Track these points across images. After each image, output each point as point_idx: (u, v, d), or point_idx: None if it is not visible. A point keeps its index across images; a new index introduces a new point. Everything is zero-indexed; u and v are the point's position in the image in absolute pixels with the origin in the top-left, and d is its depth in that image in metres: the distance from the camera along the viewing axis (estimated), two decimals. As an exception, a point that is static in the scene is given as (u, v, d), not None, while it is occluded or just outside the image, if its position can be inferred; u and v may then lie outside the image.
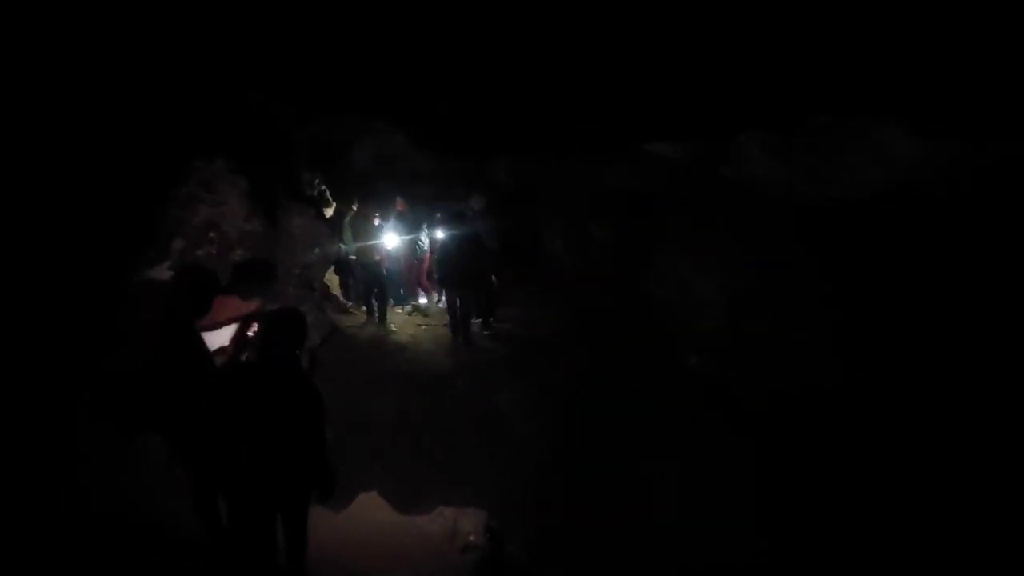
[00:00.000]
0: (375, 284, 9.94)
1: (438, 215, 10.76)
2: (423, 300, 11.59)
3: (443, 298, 10.44)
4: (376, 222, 9.87)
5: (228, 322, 4.33)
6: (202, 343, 4.05)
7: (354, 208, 9.97)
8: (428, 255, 11.01)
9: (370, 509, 5.35)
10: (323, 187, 10.29)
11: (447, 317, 9.77)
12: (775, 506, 5.33)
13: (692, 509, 5.46)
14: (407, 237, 10.68)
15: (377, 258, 9.72)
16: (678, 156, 6.65)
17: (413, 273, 11.31)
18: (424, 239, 11.01)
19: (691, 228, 7.55)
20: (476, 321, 9.49)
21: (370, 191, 10.45)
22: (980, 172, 4.96)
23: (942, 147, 4.93)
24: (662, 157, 6.72)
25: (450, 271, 9.03)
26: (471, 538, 4.97)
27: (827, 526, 4.99)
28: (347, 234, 9.65)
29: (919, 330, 5.54)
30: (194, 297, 3.97)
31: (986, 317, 5.19)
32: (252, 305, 4.51)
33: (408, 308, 11.13)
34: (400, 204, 10.43)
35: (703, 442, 6.11)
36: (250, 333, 4.28)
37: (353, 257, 10.16)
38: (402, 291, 11.42)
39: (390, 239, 10.21)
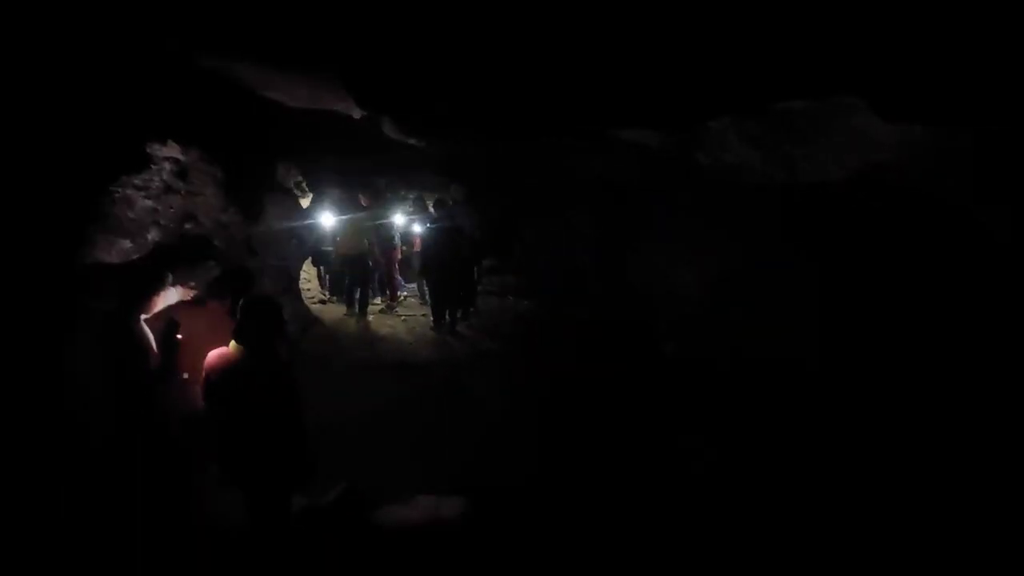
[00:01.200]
0: (354, 275, 9.91)
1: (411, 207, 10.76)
2: (402, 292, 11.59)
3: (425, 289, 10.44)
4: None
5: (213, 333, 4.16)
6: (145, 337, 4.05)
7: (328, 195, 9.93)
8: (399, 247, 10.93)
9: (349, 500, 5.35)
10: (300, 177, 10.24)
11: (424, 308, 9.80)
12: (752, 490, 5.42)
13: (663, 487, 5.54)
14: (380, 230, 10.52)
15: (357, 252, 9.67)
16: (653, 144, 6.66)
17: (390, 265, 11.31)
18: (395, 231, 10.93)
19: (668, 215, 7.59)
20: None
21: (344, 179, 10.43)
22: (955, 156, 5.03)
23: (917, 132, 4.98)
24: (637, 145, 6.73)
25: (433, 263, 9.03)
26: (452, 527, 4.98)
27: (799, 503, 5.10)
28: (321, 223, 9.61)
29: (896, 312, 5.63)
30: (145, 291, 3.98)
31: (961, 296, 5.28)
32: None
33: (386, 300, 11.13)
34: (364, 200, 10.25)
35: (675, 423, 6.20)
36: (178, 336, 4.22)
37: (329, 248, 10.12)
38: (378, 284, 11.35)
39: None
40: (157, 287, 4.16)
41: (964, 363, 5.13)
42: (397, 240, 10.81)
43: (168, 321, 4.29)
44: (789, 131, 5.63)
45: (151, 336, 4.13)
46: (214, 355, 3.73)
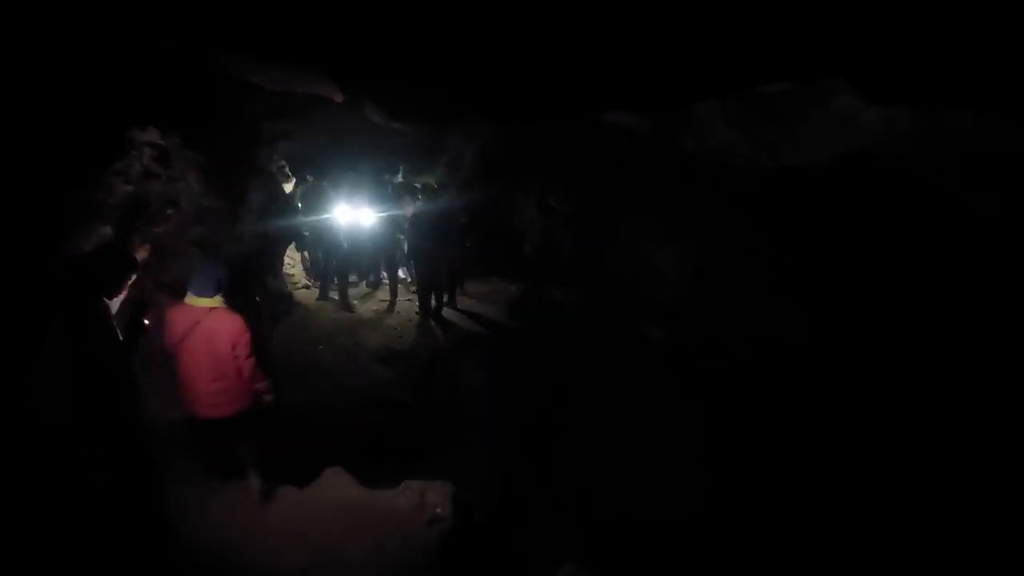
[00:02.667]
0: (332, 259, 9.86)
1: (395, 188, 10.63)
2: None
3: (411, 275, 10.39)
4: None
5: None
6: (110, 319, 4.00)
7: (308, 179, 9.86)
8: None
9: (336, 484, 5.35)
10: (282, 162, 10.14)
11: (407, 293, 9.77)
12: (725, 463, 5.50)
13: (650, 471, 5.61)
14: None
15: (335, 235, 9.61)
16: (639, 127, 6.67)
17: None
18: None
19: (652, 200, 7.61)
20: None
21: (327, 164, 10.36)
22: (936, 138, 5.06)
23: (899, 114, 5.01)
24: (622, 128, 6.73)
25: (420, 247, 8.99)
26: (438, 510, 4.99)
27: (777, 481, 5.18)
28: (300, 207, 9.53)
29: (877, 294, 5.68)
30: (112, 274, 3.92)
31: (943, 280, 5.33)
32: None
33: (370, 284, 11.06)
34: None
35: (661, 407, 6.26)
36: (146, 321, 4.21)
37: (306, 233, 10.06)
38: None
39: (343, 212, 9.94)
40: (128, 271, 4.08)
41: (951, 348, 5.18)
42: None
43: (136, 302, 4.26)
44: (773, 114, 5.65)
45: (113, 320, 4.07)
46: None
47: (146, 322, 4.13)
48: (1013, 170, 4.68)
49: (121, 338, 4.01)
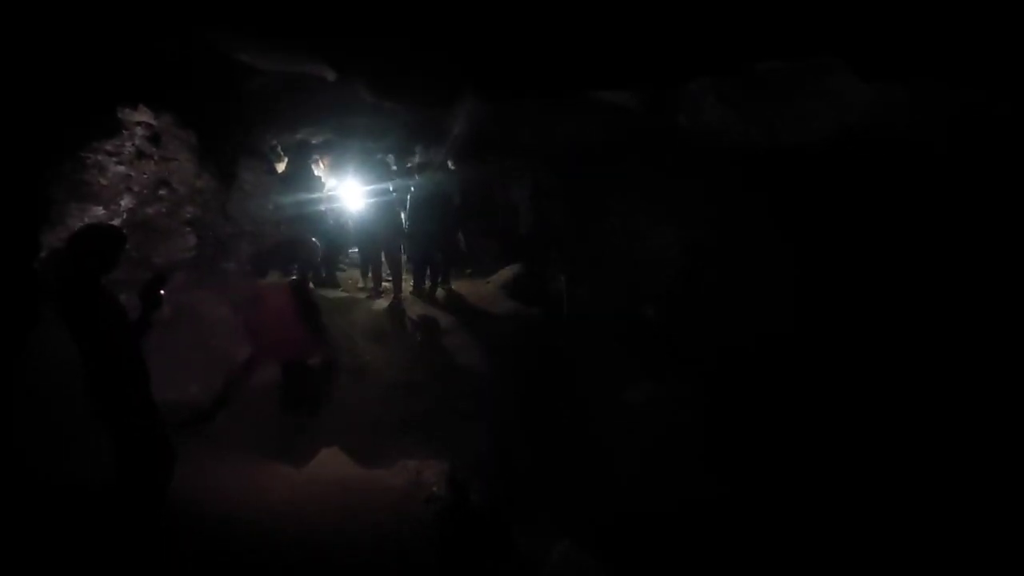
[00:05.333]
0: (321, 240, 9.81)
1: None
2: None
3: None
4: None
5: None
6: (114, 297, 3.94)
7: (297, 159, 9.77)
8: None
9: (332, 464, 5.37)
10: (275, 142, 10.06)
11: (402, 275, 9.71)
12: (723, 448, 5.54)
13: (646, 451, 5.65)
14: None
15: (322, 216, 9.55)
16: (633, 105, 6.65)
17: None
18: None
19: (647, 178, 7.59)
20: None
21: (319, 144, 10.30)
22: (931, 116, 5.06)
23: (893, 92, 5.00)
24: (617, 107, 6.71)
25: (416, 228, 8.93)
26: (434, 489, 5.02)
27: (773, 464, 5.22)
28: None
29: (872, 274, 5.71)
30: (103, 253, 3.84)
31: (937, 258, 5.36)
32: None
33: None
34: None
35: (657, 388, 6.29)
36: (161, 291, 4.17)
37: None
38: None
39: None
40: (119, 248, 4.00)
41: (945, 333, 5.22)
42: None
43: (155, 275, 4.21)
44: (767, 92, 5.64)
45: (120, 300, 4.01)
46: None
47: (162, 292, 4.06)
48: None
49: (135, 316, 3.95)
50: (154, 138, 6.04)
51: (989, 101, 4.54)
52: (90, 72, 5.10)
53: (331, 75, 6.45)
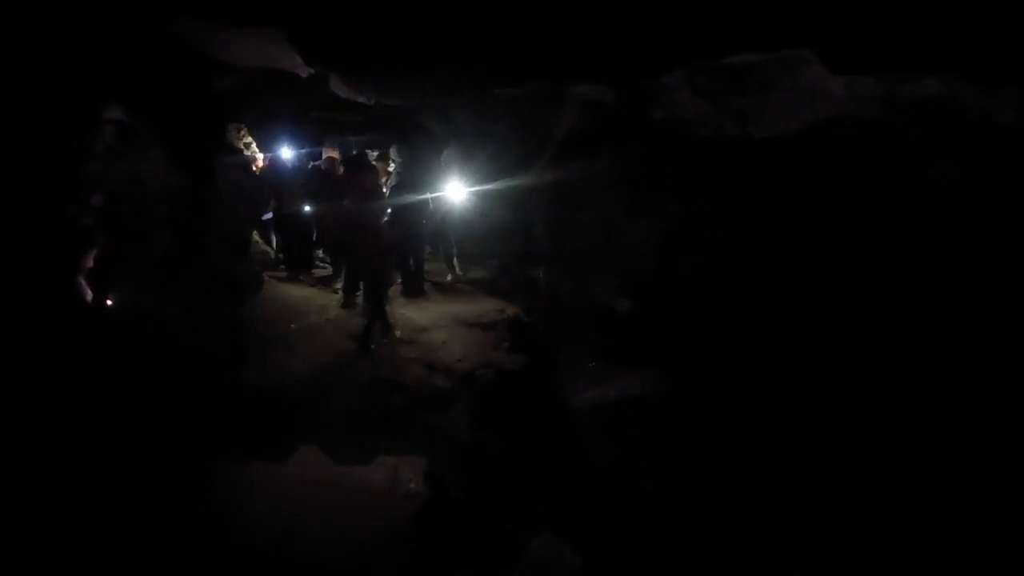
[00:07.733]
0: (297, 235, 9.79)
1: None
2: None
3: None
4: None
5: None
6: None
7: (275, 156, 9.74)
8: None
9: (310, 462, 5.37)
10: (249, 138, 9.98)
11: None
12: (701, 437, 5.59)
13: (624, 442, 5.68)
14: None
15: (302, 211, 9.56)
16: (608, 99, 6.66)
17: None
18: None
19: (622, 171, 7.60)
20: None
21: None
22: (903, 108, 5.11)
23: (865, 84, 5.04)
24: (589, 99, 6.72)
25: (395, 223, 8.90)
26: (412, 485, 5.04)
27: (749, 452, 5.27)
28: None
29: (848, 263, 5.77)
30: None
31: (912, 246, 5.42)
32: None
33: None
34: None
35: (635, 380, 6.32)
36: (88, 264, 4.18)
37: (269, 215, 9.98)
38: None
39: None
40: (89, 247, 4.00)
41: (921, 311, 5.28)
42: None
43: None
44: (740, 85, 5.66)
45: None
46: None
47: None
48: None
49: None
50: (126, 135, 5.98)
51: (955, 93, 4.58)
52: (58, 68, 5.04)
53: (303, 70, 6.45)
